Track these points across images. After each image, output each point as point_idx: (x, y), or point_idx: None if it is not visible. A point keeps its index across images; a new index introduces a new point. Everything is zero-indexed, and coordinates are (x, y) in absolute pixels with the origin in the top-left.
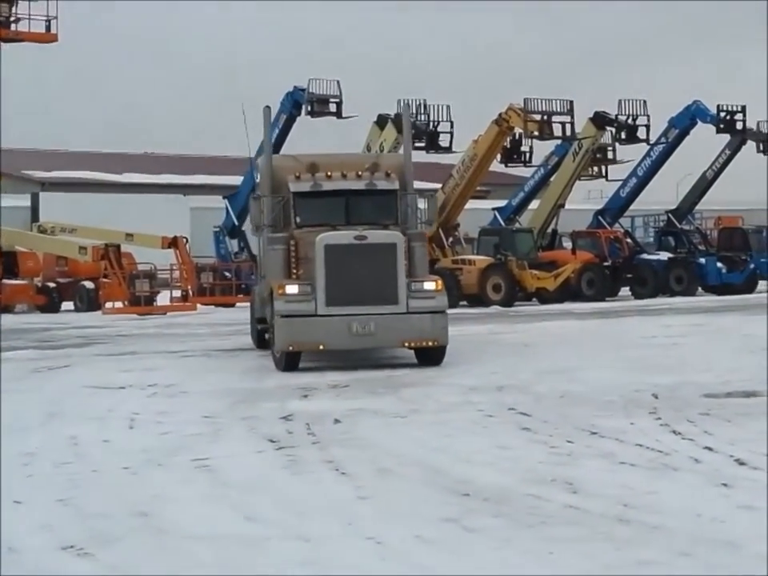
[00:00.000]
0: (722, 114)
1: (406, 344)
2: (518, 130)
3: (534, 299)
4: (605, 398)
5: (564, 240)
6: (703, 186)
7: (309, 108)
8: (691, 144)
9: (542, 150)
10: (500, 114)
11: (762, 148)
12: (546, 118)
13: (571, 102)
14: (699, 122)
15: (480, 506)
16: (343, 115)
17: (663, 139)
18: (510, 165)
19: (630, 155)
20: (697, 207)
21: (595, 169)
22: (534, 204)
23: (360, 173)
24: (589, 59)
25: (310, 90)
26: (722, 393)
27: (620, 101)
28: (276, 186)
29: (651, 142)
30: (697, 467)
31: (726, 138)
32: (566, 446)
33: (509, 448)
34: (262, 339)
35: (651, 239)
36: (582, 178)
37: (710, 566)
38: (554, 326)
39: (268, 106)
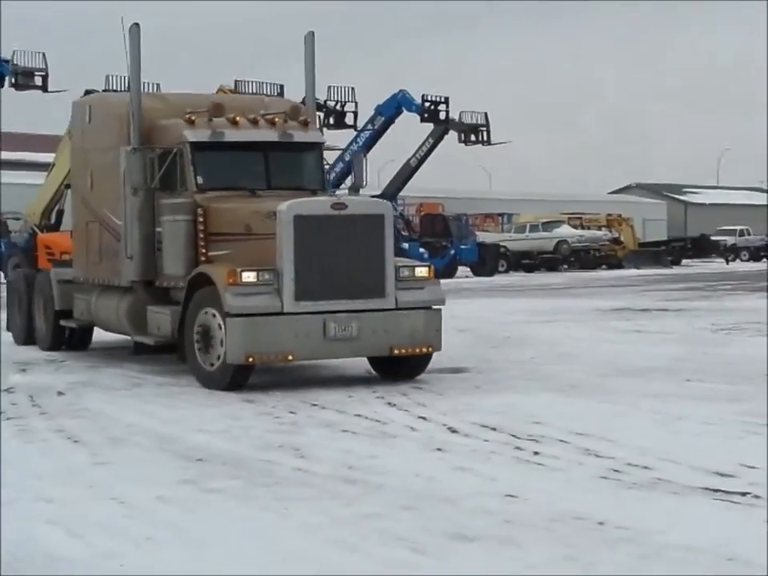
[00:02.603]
0: (427, 104)
1: (396, 351)
2: None
3: None
4: (322, 374)
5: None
6: (407, 172)
7: (13, 80)
8: (399, 131)
9: None
10: None
11: (463, 138)
12: None
13: (281, 86)
14: (405, 111)
15: (217, 470)
16: (50, 89)
17: (370, 126)
18: None
19: (338, 141)
20: (400, 194)
21: None
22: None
23: (275, 119)
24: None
25: (14, 62)
26: (434, 369)
27: (329, 87)
28: (144, 135)
29: (359, 128)
30: (413, 434)
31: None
32: (289, 417)
33: (238, 419)
34: (59, 337)
35: None
36: None
37: (430, 518)
38: None
39: (136, 23)
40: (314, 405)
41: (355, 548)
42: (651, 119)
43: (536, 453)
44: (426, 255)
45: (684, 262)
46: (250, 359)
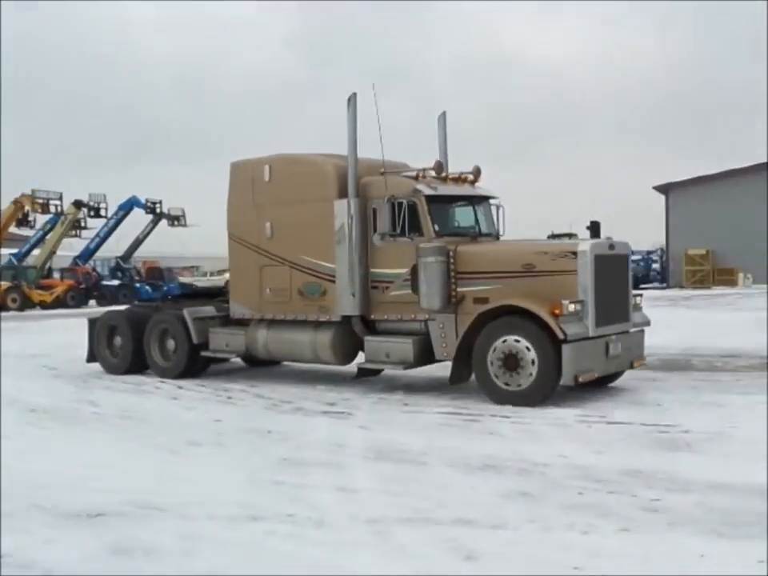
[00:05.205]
0: (150, 205)
1: (635, 364)
2: (27, 208)
3: (38, 307)
4: None
5: (55, 273)
6: (136, 244)
7: None
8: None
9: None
10: (16, 198)
11: (170, 223)
12: (45, 201)
13: (61, 194)
14: (135, 208)
15: (42, 416)
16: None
17: (114, 216)
18: (20, 227)
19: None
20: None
21: (74, 231)
22: (37, 251)
23: (465, 178)
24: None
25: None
26: None
27: (90, 194)
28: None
29: (108, 217)
30: (158, 390)
31: None
32: (82, 384)
33: (46, 386)
34: (192, 367)
35: (107, 273)
36: (68, 236)
37: (178, 436)
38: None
39: (354, 93)
40: (98, 379)
41: (138, 454)
42: None
43: (229, 397)
44: (150, 291)
45: None
46: (580, 379)
